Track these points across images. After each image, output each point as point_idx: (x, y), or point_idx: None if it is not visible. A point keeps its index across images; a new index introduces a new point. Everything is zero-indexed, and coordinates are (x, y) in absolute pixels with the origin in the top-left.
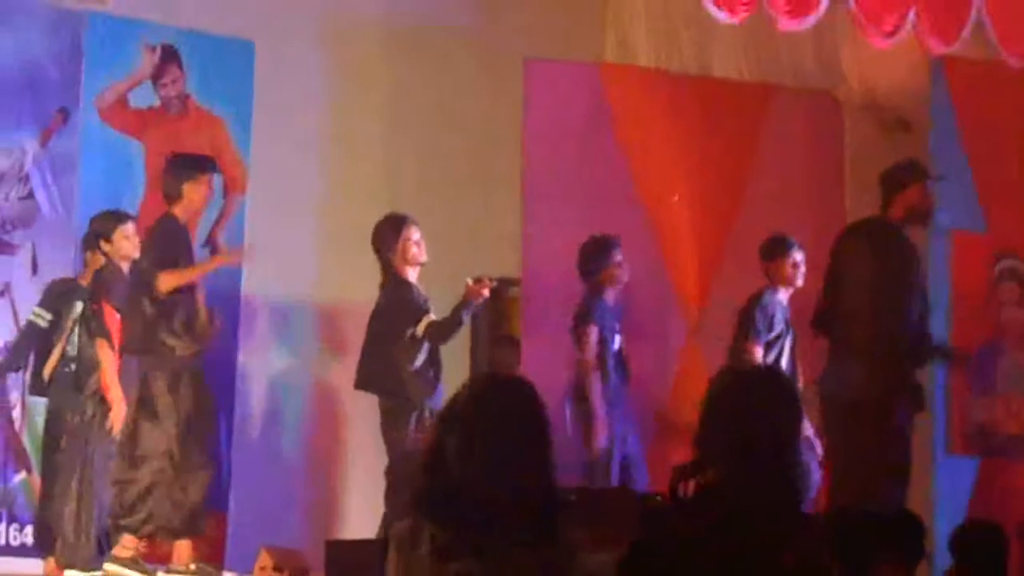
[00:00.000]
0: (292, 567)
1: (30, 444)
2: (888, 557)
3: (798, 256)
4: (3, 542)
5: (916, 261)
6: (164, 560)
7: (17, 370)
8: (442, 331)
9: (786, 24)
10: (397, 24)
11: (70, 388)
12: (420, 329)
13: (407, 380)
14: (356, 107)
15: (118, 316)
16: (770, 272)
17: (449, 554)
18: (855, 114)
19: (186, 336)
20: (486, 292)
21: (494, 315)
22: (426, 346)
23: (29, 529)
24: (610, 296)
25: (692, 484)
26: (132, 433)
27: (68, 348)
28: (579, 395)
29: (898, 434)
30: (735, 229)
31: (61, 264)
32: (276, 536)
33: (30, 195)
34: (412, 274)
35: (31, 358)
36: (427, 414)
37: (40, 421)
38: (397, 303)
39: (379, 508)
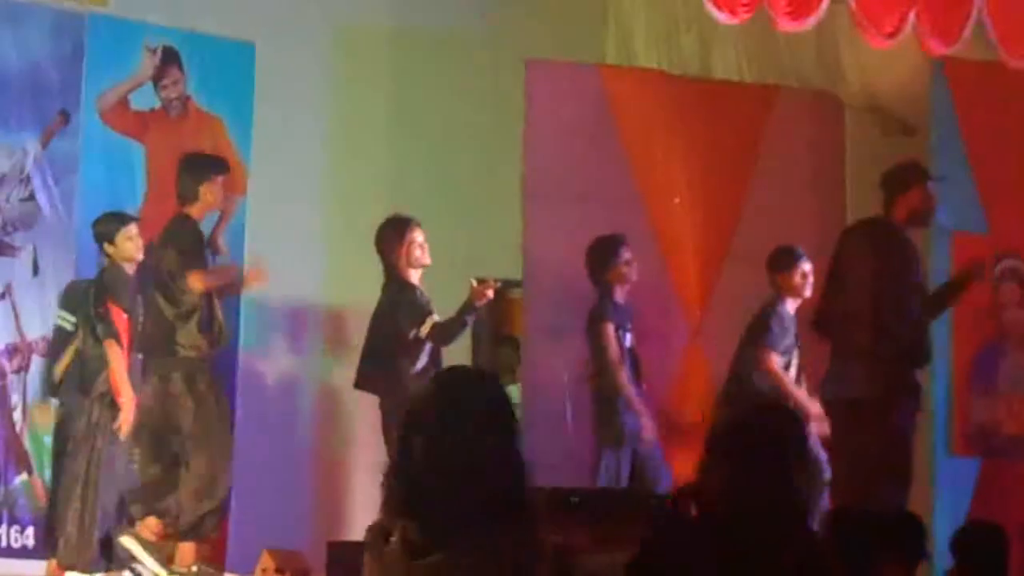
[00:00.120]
0: (294, 568)
1: (31, 446)
2: (889, 557)
3: (806, 267)
4: (4, 544)
5: (917, 262)
6: (166, 561)
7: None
8: (446, 332)
9: (786, 25)
10: (398, 25)
11: (76, 390)
12: (424, 330)
13: (409, 381)
14: (357, 108)
15: (126, 316)
16: (778, 283)
17: (419, 550)
18: (856, 115)
19: (202, 338)
20: (490, 293)
21: (496, 316)
22: (428, 347)
23: (30, 531)
24: (619, 295)
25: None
26: (153, 431)
27: (81, 349)
28: (601, 395)
29: (899, 435)
30: (737, 230)
31: (62, 266)
32: (278, 537)
33: (31, 197)
34: (415, 276)
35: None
36: None
37: (41, 423)
38: (400, 304)
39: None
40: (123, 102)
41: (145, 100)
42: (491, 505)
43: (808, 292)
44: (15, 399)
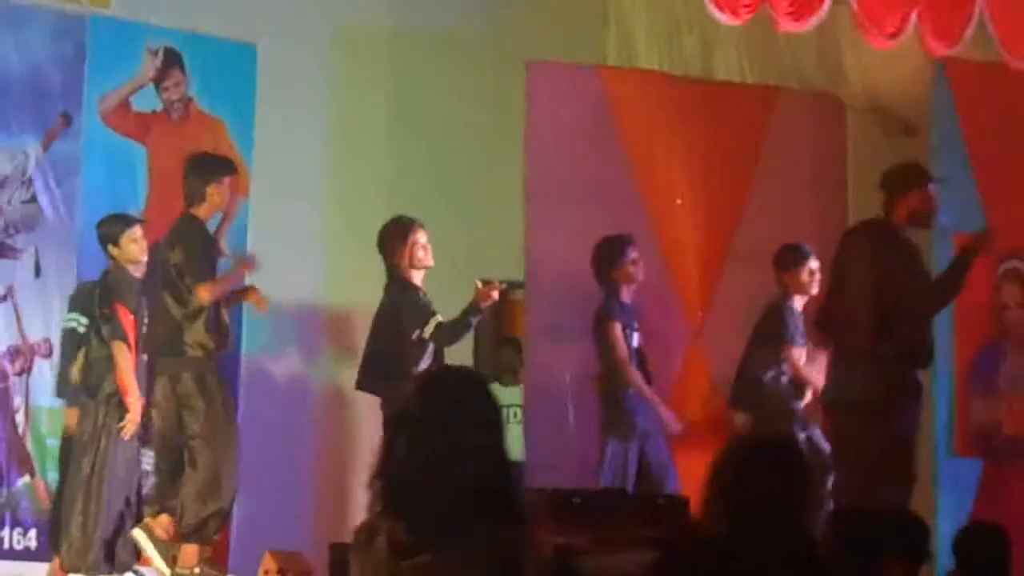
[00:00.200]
0: (296, 570)
1: (34, 448)
2: (892, 558)
3: (814, 264)
4: (7, 546)
5: (919, 262)
6: (171, 561)
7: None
8: (450, 333)
9: (788, 26)
10: (399, 26)
11: (83, 392)
12: (428, 330)
13: (411, 382)
14: (358, 110)
15: (132, 317)
16: (785, 280)
17: (406, 551)
18: (857, 116)
19: (209, 338)
20: (495, 295)
21: (497, 318)
22: (430, 348)
23: (33, 533)
24: (626, 295)
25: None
26: (164, 431)
27: (87, 351)
28: (608, 395)
29: (902, 436)
30: (738, 231)
31: (64, 268)
32: (280, 539)
33: (33, 199)
34: (417, 277)
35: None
36: None
37: (44, 425)
38: (402, 305)
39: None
40: (125, 104)
41: (147, 102)
42: (478, 505)
43: (815, 289)
44: (17, 401)
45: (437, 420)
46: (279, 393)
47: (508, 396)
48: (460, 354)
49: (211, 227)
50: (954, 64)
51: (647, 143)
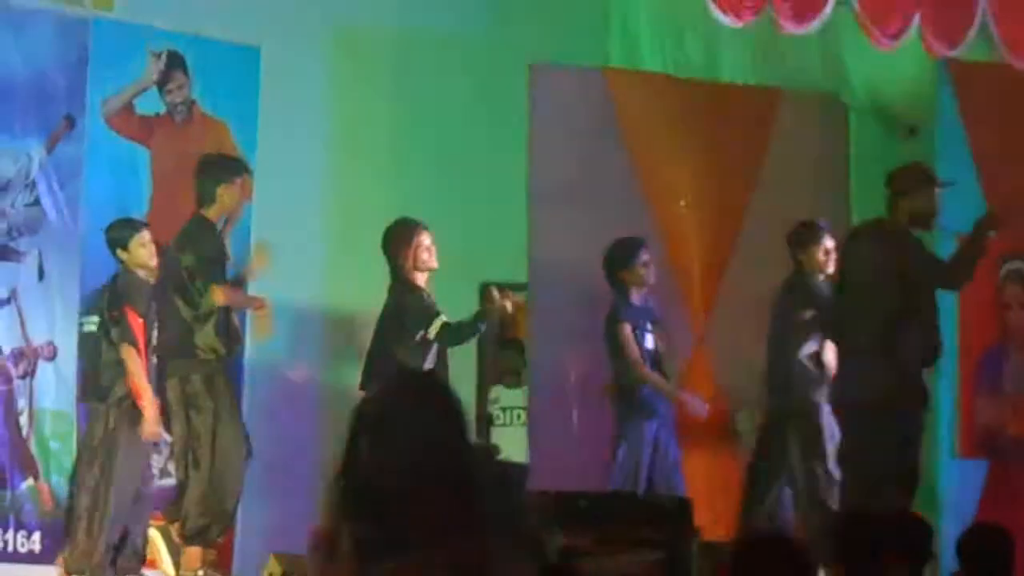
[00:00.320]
0: (301, 573)
1: (38, 451)
2: (895, 559)
3: (829, 243)
4: (11, 548)
5: (927, 252)
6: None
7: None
8: (457, 334)
9: (791, 27)
10: (403, 30)
11: (93, 396)
12: (433, 331)
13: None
14: (362, 112)
15: (141, 321)
16: (800, 259)
17: (369, 554)
18: (860, 117)
19: (219, 341)
20: (509, 306)
21: (500, 319)
22: (433, 350)
23: (37, 536)
24: (636, 297)
25: None
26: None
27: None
28: (622, 398)
29: (907, 437)
30: (741, 233)
31: (67, 271)
32: (284, 542)
33: (36, 202)
34: (421, 279)
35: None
36: None
37: (48, 427)
38: (406, 307)
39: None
40: (128, 107)
41: (150, 105)
42: (445, 510)
43: (831, 268)
44: (21, 404)
45: (401, 423)
46: (283, 394)
47: (511, 398)
48: (463, 356)
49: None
50: (956, 65)
51: (651, 145)
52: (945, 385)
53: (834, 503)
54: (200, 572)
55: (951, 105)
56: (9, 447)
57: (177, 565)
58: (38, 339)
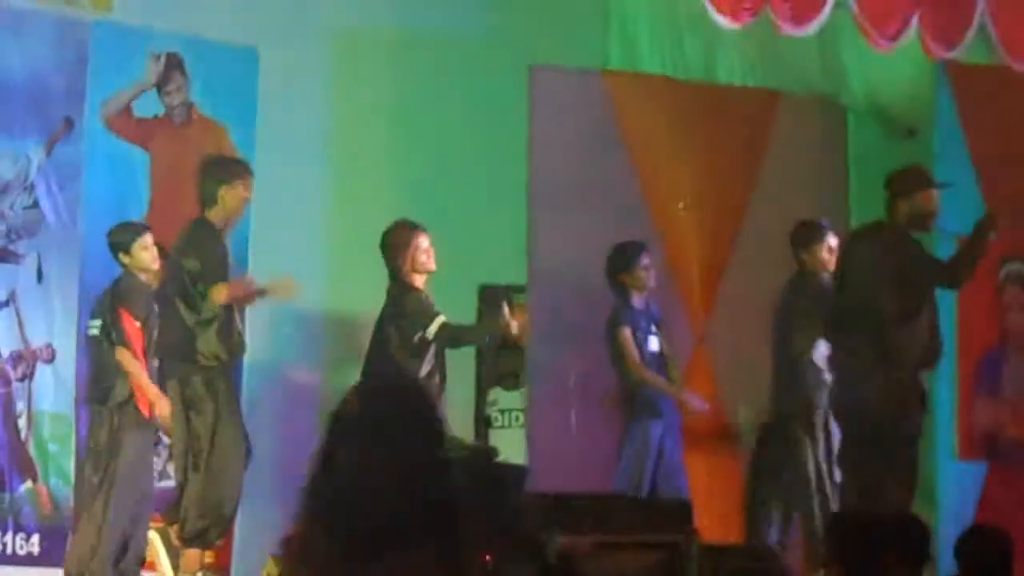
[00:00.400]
0: None
1: (36, 453)
2: (894, 561)
3: (833, 241)
4: (9, 551)
5: (927, 253)
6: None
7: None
8: (456, 336)
9: (789, 29)
10: (402, 31)
11: (95, 399)
12: (432, 330)
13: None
14: (360, 114)
15: (138, 324)
16: (803, 258)
17: (339, 559)
18: (859, 119)
19: (221, 346)
20: (515, 330)
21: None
22: (432, 352)
23: (35, 538)
24: (637, 300)
25: None
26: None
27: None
28: (625, 401)
29: (906, 440)
30: (740, 234)
31: (66, 273)
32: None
33: (35, 204)
34: (420, 281)
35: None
36: None
37: (46, 430)
38: (405, 308)
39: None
40: (127, 109)
41: (149, 107)
42: (417, 520)
43: (834, 267)
44: (20, 406)
45: (376, 431)
46: (282, 397)
47: (510, 400)
48: (461, 358)
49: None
50: (955, 67)
51: (650, 147)
52: (944, 387)
53: (834, 505)
54: (199, 574)
55: (950, 107)
56: (8, 450)
57: (176, 567)
58: (37, 341)
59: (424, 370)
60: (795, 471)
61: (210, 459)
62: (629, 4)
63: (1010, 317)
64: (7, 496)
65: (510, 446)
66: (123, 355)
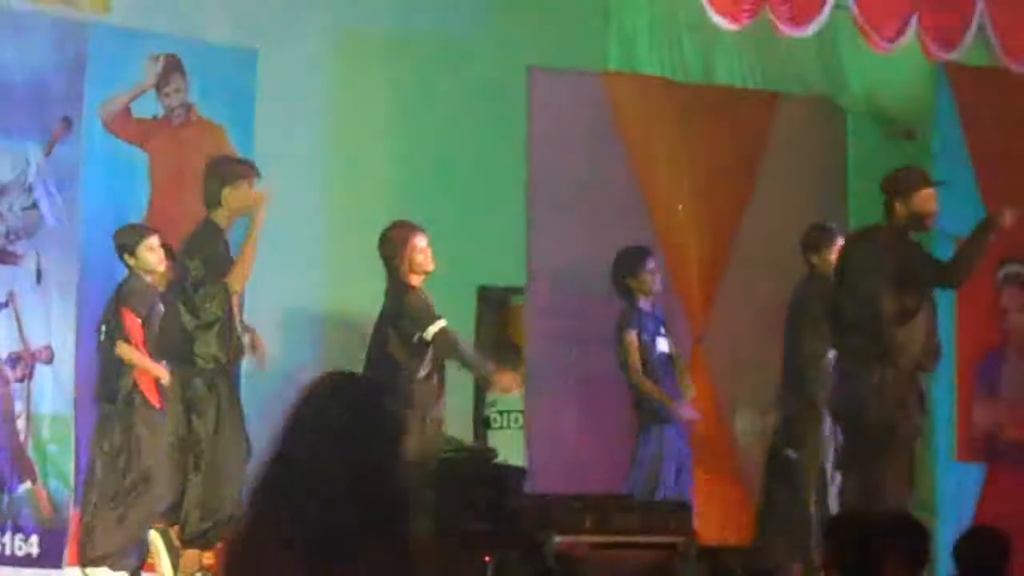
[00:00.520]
0: None
1: (35, 454)
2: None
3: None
4: (8, 552)
5: (926, 254)
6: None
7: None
8: (452, 347)
9: (788, 31)
10: (401, 33)
11: (103, 399)
12: (430, 332)
13: (411, 387)
14: (359, 115)
15: (139, 321)
16: (814, 262)
17: (288, 563)
18: (858, 120)
19: (221, 350)
20: (515, 391)
21: (498, 323)
22: (431, 354)
23: (34, 539)
24: (644, 303)
25: None
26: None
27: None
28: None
29: (905, 442)
30: (739, 236)
31: (65, 274)
32: None
33: (34, 205)
34: (418, 281)
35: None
36: (430, 422)
37: (45, 431)
38: (404, 309)
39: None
40: (126, 110)
41: (147, 108)
42: (370, 522)
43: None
44: (19, 408)
45: (327, 429)
46: (280, 398)
47: (509, 401)
48: None
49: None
50: (954, 68)
51: (649, 148)
52: (943, 388)
53: (834, 506)
54: (198, 575)
55: (949, 108)
56: (6, 451)
57: (176, 568)
58: (36, 342)
59: (423, 371)
60: (802, 473)
61: (211, 461)
62: (628, 5)
63: (1009, 318)
64: (6, 497)
65: (509, 447)
66: (123, 348)
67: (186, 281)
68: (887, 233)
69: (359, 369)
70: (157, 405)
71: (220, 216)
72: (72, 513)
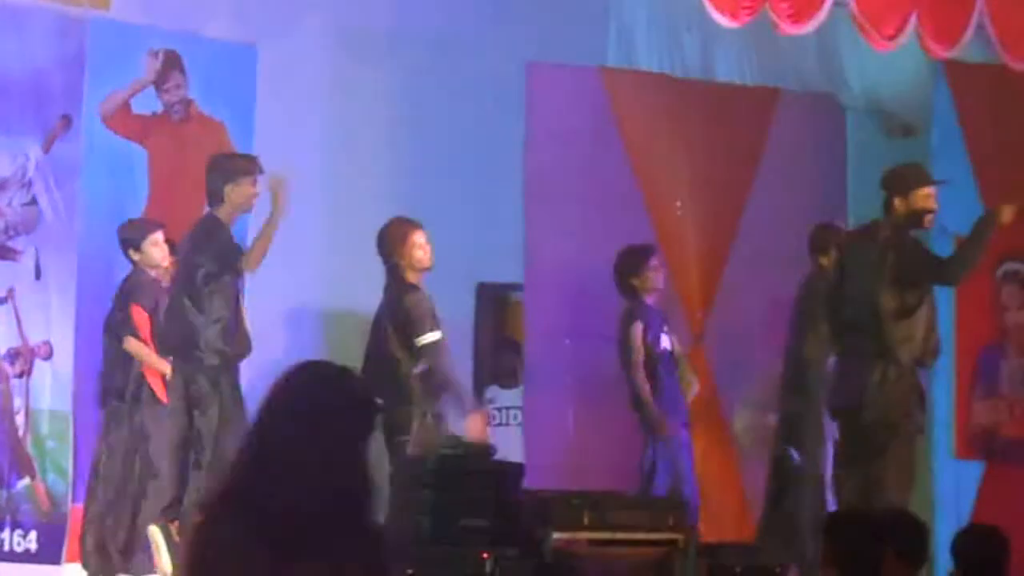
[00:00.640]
0: None
1: (34, 450)
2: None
3: None
4: (7, 548)
5: (926, 251)
6: None
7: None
8: (437, 367)
9: (788, 28)
10: (400, 28)
11: (113, 396)
12: (422, 341)
13: (410, 384)
14: (358, 111)
15: (147, 315)
16: (822, 262)
17: (251, 551)
18: (857, 117)
19: (226, 346)
20: (480, 438)
21: (496, 320)
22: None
23: (33, 535)
24: (649, 299)
25: None
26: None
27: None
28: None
29: (904, 439)
30: (738, 234)
31: (64, 270)
32: None
33: (33, 201)
34: (417, 278)
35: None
36: (429, 419)
37: (44, 427)
38: (406, 308)
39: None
40: (125, 106)
41: (147, 104)
42: (330, 519)
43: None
44: (18, 403)
45: (299, 415)
46: None
47: (507, 398)
48: (460, 357)
49: None
50: (953, 66)
51: (647, 145)
52: (942, 386)
53: (833, 504)
54: None
55: (948, 106)
56: (5, 447)
57: (175, 564)
58: (35, 338)
59: (421, 368)
60: (801, 471)
61: (213, 458)
62: (627, 2)
63: (1008, 316)
64: (4, 493)
65: (508, 444)
66: (132, 343)
67: (196, 277)
68: (887, 230)
69: (357, 366)
70: (165, 401)
71: (223, 212)
72: (71, 508)
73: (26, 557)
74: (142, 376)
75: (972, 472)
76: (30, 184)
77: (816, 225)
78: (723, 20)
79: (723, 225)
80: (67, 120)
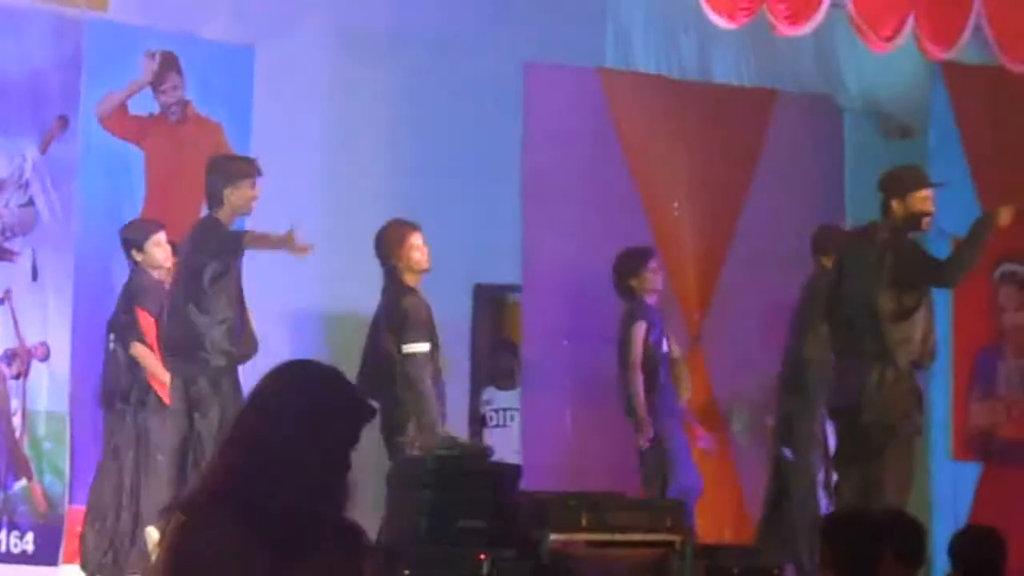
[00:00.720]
0: None
1: (31, 451)
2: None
3: None
4: (4, 549)
5: (924, 253)
6: None
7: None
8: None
9: (785, 29)
10: (398, 29)
11: (117, 399)
12: (408, 349)
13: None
14: (356, 112)
15: (153, 319)
16: (824, 263)
17: (251, 551)
18: (855, 119)
19: (231, 346)
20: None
21: (494, 321)
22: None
23: (30, 536)
24: (650, 300)
25: None
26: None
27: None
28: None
29: (901, 440)
30: (735, 235)
31: (61, 271)
32: None
33: (30, 202)
34: (415, 281)
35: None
36: (426, 420)
37: (41, 428)
38: (399, 309)
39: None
40: (122, 107)
41: (144, 105)
42: (332, 515)
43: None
44: (15, 404)
45: (285, 413)
46: None
47: (504, 399)
48: (457, 358)
49: None
50: (951, 67)
51: (645, 146)
52: (939, 387)
53: (831, 505)
54: None
55: (945, 107)
56: (2, 448)
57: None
58: (32, 339)
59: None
60: (799, 473)
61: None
62: (625, 2)
63: (1005, 317)
64: (1, 495)
65: (505, 445)
66: (138, 349)
67: (201, 277)
68: (884, 232)
69: (355, 368)
70: (168, 403)
71: (222, 215)
72: (68, 510)
73: (23, 558)
74: (148, 380)
75: (969, 473)
76: (27, 185)
77: (819, 226)
78: (720, 21)
79: (721, 226)
80: (64, 121)
